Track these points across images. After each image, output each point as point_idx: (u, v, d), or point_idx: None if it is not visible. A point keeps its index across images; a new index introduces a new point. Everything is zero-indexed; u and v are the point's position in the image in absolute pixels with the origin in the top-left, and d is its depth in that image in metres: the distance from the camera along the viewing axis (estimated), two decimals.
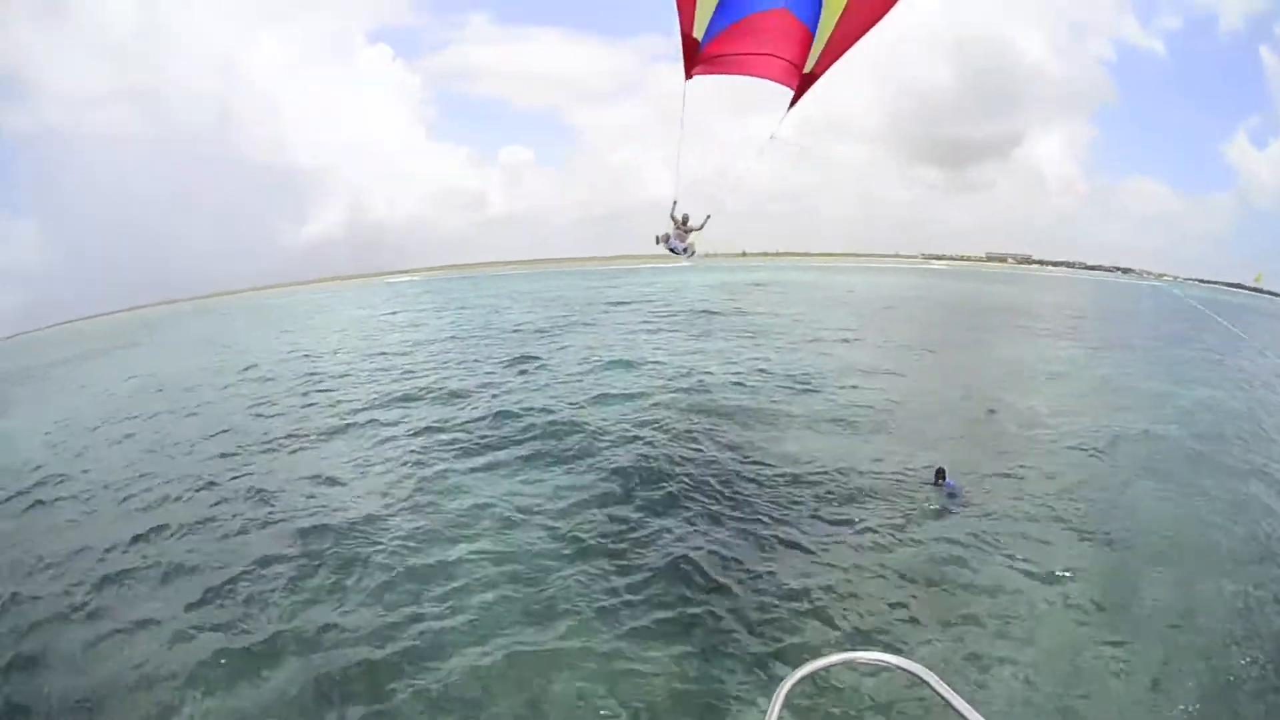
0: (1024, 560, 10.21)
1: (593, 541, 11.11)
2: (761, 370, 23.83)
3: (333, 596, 9.94)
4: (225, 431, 19.62)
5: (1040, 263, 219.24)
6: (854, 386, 21.47)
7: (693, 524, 11.73)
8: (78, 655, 9.02)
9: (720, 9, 7.44)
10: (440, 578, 10.15)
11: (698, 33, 7.64)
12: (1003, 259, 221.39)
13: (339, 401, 22.12)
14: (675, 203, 10.45)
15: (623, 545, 10.98)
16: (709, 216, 10.64)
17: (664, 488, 13.17)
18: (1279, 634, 8.37)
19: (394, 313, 57.40)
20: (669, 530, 11.49)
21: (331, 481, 14.57)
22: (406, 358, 30.24)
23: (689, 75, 8.29)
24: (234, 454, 17.36)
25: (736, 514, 12.07)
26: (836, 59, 7.44)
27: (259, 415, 21.36)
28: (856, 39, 7.16)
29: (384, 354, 31.96)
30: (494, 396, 20.93)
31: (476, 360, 28.17)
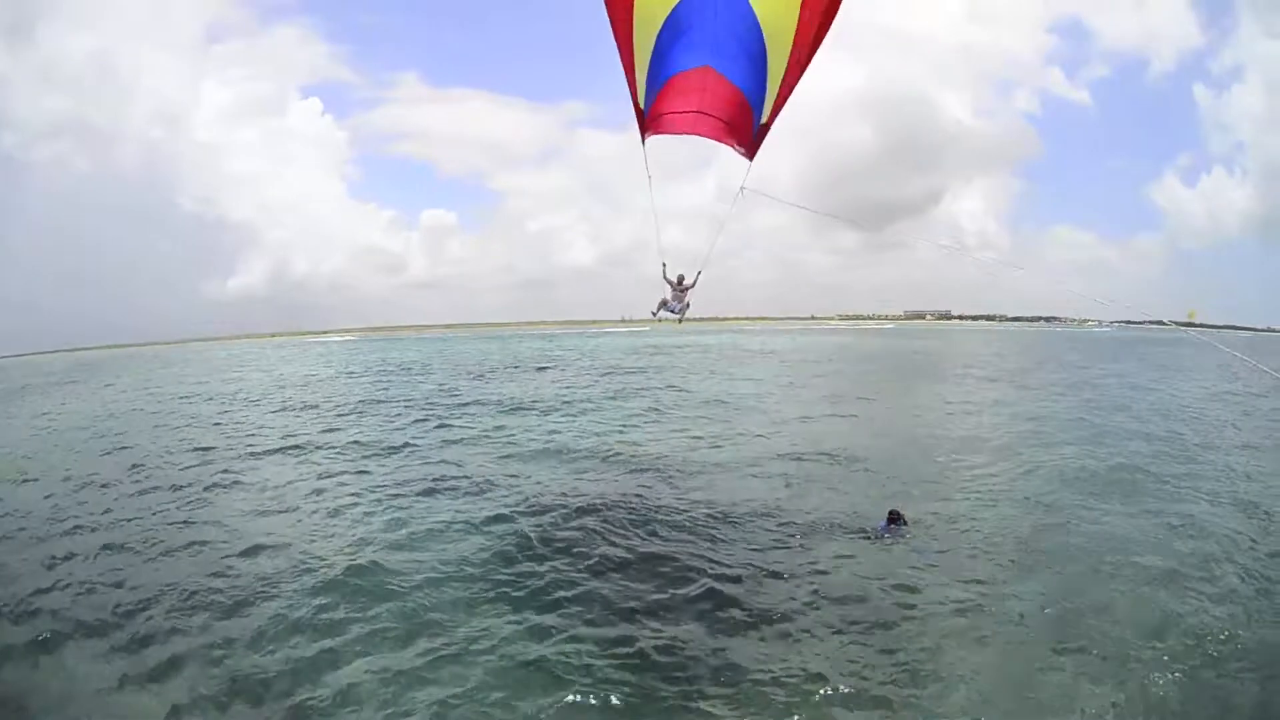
0: (976, 592, 9.68)
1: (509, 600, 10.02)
2: (685, 428, 23.52)
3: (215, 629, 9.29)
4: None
5: (960, 318, 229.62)
6: (779, 434, 21.38)
7: (607, 575, 10.74)
8: None
9: (652, 72, 7.49)
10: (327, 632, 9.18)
11: (640, 98, 7.74)
12: (922, 316, 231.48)
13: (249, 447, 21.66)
14: (665, 265, 10.39)
15: (541, 600, 9.99)
16: (700, 273, 10.54)
17: (583, 544, 12.07)
18: (1212, 642, 8.33)
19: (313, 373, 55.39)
20: (581, 583, 10.48)
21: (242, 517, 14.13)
22: (317, 412, 29.99)
23: (643, 138, 8.41)
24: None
25: (660, 564, 11.07)
26: (784, 102, 7.45)
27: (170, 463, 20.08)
28: (801, 74, 7.13)
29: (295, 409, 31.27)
30: (408, 451, 20.24)
31: (387, 417, 27.64)
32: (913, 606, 9.30)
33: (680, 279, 10.37)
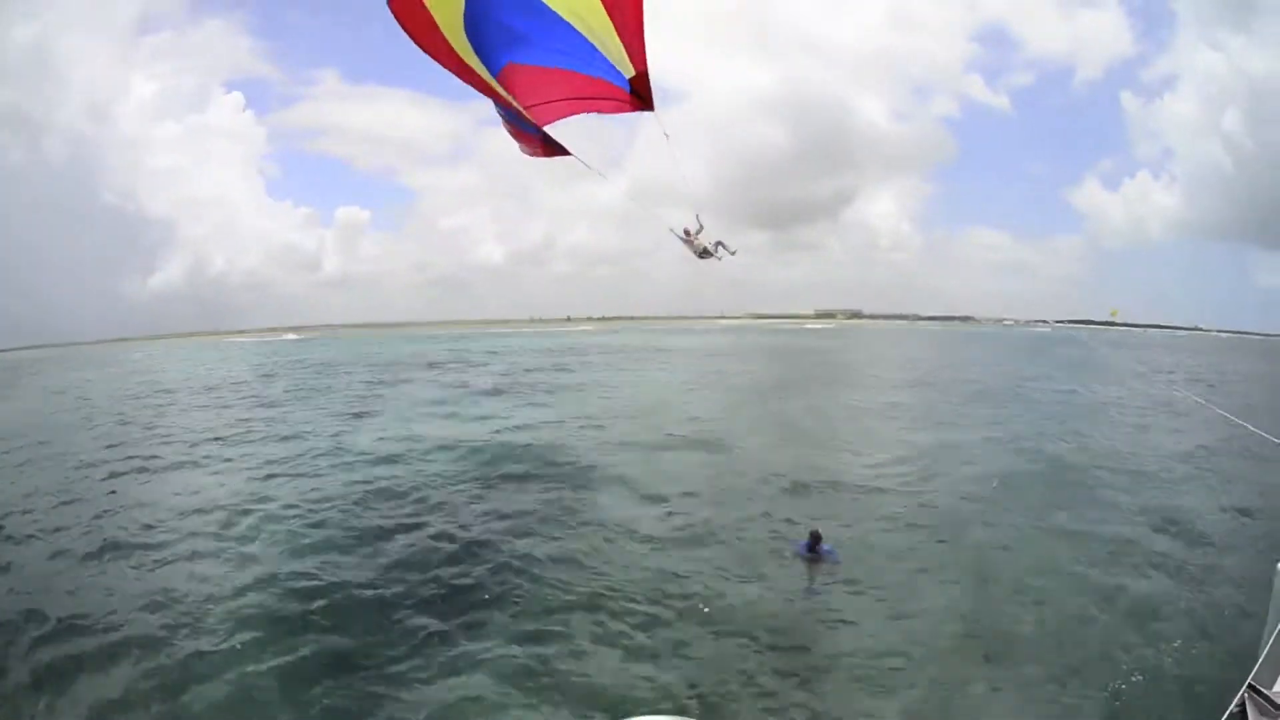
0: (906, 625, 9.29)
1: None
2: (594, 427, 23.52)
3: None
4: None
5: (871, 317, 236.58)
6: (684, 438, 21.18)
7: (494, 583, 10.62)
8: None
9: (491, 67, 6.99)
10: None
11: (515, 101, 7.28)
12: (832, 315, 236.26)
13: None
14: (671, 230, 10.05)
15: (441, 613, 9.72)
16: (698, 215, 10.05)
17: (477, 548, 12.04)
18: (1140, 644, 8.59)
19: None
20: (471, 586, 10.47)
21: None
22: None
23: (541, 130, 7.85)
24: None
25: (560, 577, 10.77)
26: (640, 42, 6.93)
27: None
28: (637, 16, 6.68)
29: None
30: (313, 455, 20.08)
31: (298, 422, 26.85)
32: (844, 642, 8.86)
33: (686, 231, 10.00)
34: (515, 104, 7.25)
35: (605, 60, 7.13)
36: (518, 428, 23.50)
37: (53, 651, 8.84)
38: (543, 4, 6.58)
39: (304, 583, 10.70)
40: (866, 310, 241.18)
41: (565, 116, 8.11)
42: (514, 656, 8.52)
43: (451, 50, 6.59)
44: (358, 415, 27.76)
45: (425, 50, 6.50)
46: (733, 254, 10.29)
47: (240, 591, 10.44)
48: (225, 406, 32.54)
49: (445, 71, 6.80)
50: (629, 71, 7.24)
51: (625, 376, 43.27)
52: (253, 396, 36.35)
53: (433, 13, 6.34)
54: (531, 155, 8.50)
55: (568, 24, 6.73)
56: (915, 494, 15.18)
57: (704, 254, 10.15)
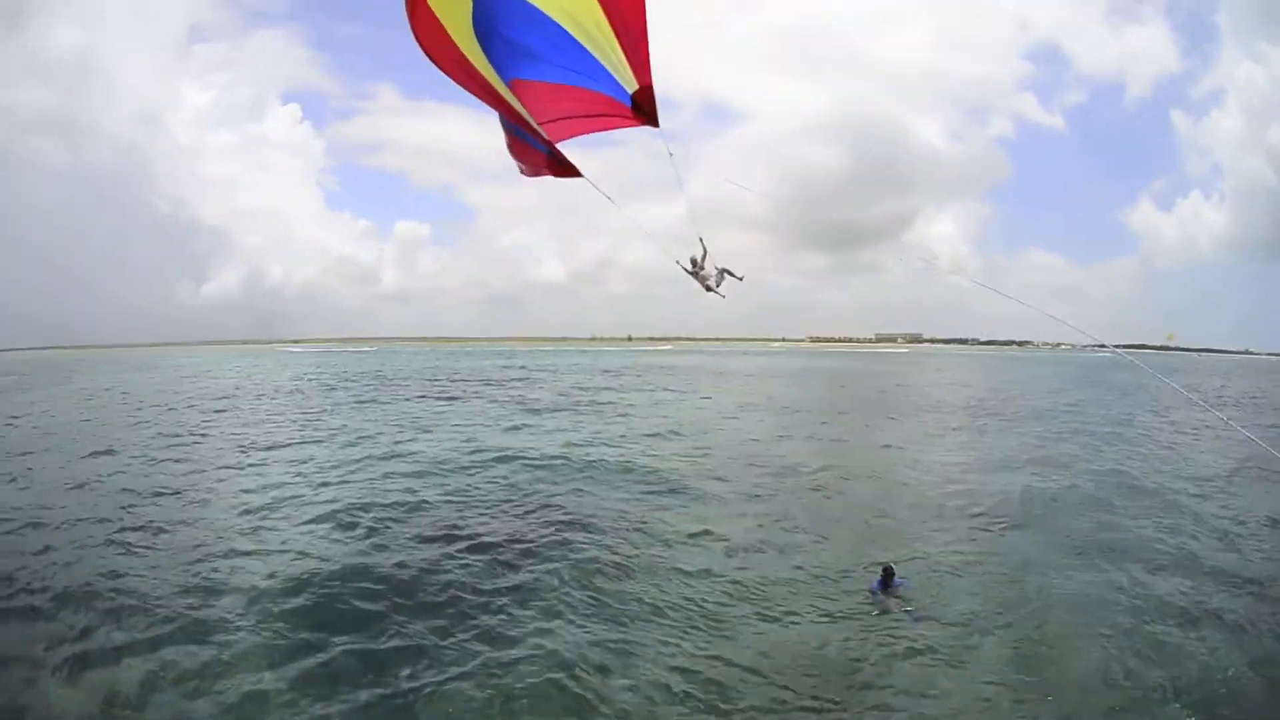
0: (995, 679, 8.46)
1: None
2: (656, 446, 23.26)
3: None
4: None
5: (931, 341, 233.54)
6: (750, 465, 20.41)
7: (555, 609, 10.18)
8: None
9: (507, 79, 6.99)
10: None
11: (537, 128, 7.33)
12: (892, 339, 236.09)
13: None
14: (677, 261, 9.76)
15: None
16: (701, 239, 9.75)
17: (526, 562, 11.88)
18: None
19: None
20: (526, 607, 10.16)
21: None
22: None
23: (554, 151, 7.80)
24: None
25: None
26: (644, 54, 6.89)
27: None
28: (641, 30, 6.64)
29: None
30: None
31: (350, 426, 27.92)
32: (922, 693, 8.11)
33: (693, 261, 9.73)
34: (531, 120, 7.18)
35: (608, 74, 7.07)
36: (578, 443, 23.62)
37: (95, 639, 9.05)
38: (545, 16, 6.52)
39: (351, 583, 10.81)
40: (926, 334, 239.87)
41: (573, 136, 8.07)
42: (559, 670, 8.34)
43: (465, 61, 6.56)
44: (416, 425, 28.36)
45: (438, 64, 6.46)
46: (739, 279, 10.10)
47: (285, 587, 10.58)
48: (282, 411, 33.83)
49: None
50: (632, 86, 7.19)
51: (686, 397, 43.46)
52: (310, 403, 37.81)
53: (446, 28, 6.32)
54: (532, 175, 8.44)
55: (571, 37, 6.69)
56: (987, 523, 14.55)
57: (709, 288, 9.93)
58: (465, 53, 6.51)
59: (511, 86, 6.93)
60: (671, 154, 8.27)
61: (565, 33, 6.64)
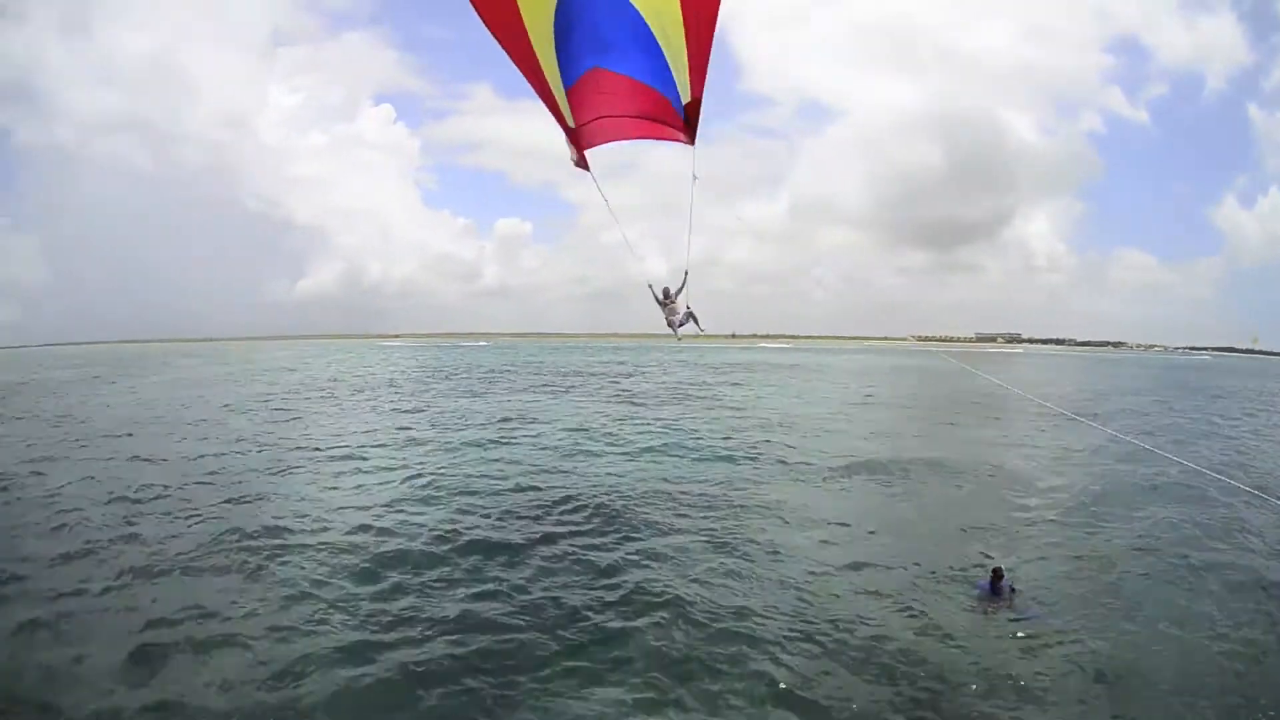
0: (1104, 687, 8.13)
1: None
2: (761, 442, 23.01)
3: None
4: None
5: (1030, 341, 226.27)
6: (855, 461, 20.02)
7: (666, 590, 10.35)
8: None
9: (566, 90, 7.11)
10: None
11: (568, 117, 7.37)
12: (992, 338, 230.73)
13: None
14: (650, 286, 9.86)
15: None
16: (686, 275, 9.78)
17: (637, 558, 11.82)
18: None
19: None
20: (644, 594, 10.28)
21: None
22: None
23: (582, 160, 7.98)
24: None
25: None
26: (704, 66, 6.88)
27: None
28: (708, 39, 6.62)
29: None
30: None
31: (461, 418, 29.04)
32: (1031, 699, 7.75)
33: (666, 292, 9.75)
34: (569, 121, 7.29)
35: (672, 80, 7.08)
36: (686, 435, 24.17)
37: (184, 628, 9.18)
38: (635, 11, 6.51)
39: (448, 576, 11.00)
40: (1025, 334, 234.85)
41: (624, 139, 8.13)
42: (655, 669, 8.25)
43: (531, 51, 6.51)
44: (525, 416, 29.36)
45: (504, 47, 6.40)
46: (700, 330, 10.01)
47: (381, 582, 10.74)
48: (386, 402, 35.55)
49: None
50: (687, 95, 7.20)
51: (792, 392, 43.60)
52: (417, 395, 39.43)
53: (523, 13, 6.27)
54: (576, 165, 8.27)
55: (652, 36, 6.68)
56: (1092, 525, 14.01)
57: (670, 323, 9.84)
58: (535, 47, 6.52)
59: (591, 75, 7.03)
60: (697, 177, 8.20)
61: (649, 32, 6.63)
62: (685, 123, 7.50)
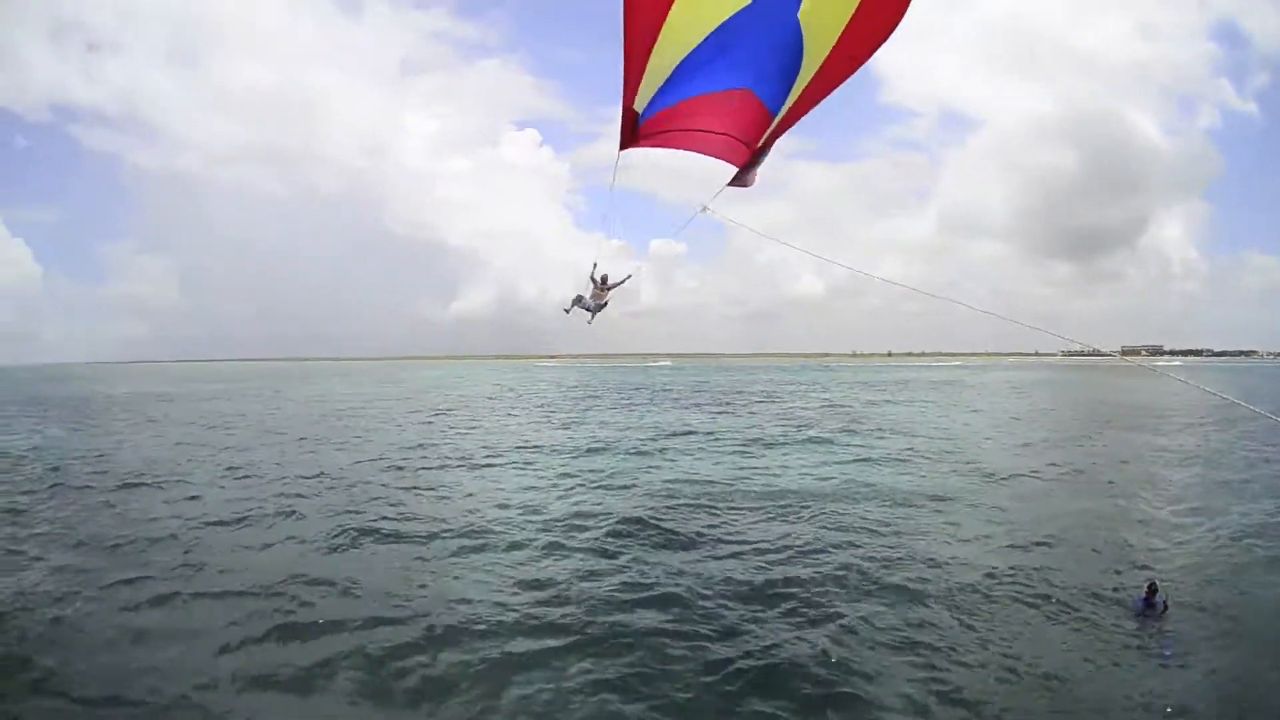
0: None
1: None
2: (921, 459, 23.32)
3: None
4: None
5: (1171, 353, 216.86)
6: (1013, 475, 20.16)
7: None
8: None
9: (672, 85, 6.88)
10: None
11: (639, 105, 7.07)
12: (1137, 352, 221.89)
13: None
14: (595, 264, 10.20)
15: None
16: (629, 275, 10.33)
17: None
18: None
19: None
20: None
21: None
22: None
23: (624, 148, 7.66)
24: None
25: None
26: (788, 128, 6.95)
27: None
28: (814, 105, 6.63)
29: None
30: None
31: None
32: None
33: (604, 279, 10.00)
34: (635, 104, 6.96)
35: (777, 113, 6.89)
36: (847, 450, 24.88)
37: (374, 633, 9.51)
38: (801, 35, 6.18)
39: (617, 584, 11.32)
40: (1167, 345, 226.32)
41: (696, 151, 7.94)
42: (814, 676, 8.35)
43: (656, 36, 6.30)
44: (688, 433, 30.64)
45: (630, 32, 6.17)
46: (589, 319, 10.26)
47: (551, 590, 11.10)
48: (552, 416, 38.93)
49: None
50: (761, 141, 7.17)
51: (950, 410, 43.63)
52: (577, 411, 43.19)
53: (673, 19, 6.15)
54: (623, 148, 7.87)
55: (798, 69, 6.40)
56: (1247, 542, 13.44)
57: (587, 308, 10.05)
58: (660, 44, 6.39)
59: (729, 94, 6.91)
60: (706, 209, 8.08)
61: (799, 63, 6.38)
62: (749, 163, 7.49)
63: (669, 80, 6.82)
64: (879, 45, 5.97)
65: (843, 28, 5.89)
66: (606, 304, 10.30)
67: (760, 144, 7.27)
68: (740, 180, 7.81)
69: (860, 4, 5.74)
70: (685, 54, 6.53)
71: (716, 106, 7.13)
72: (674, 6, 6.07)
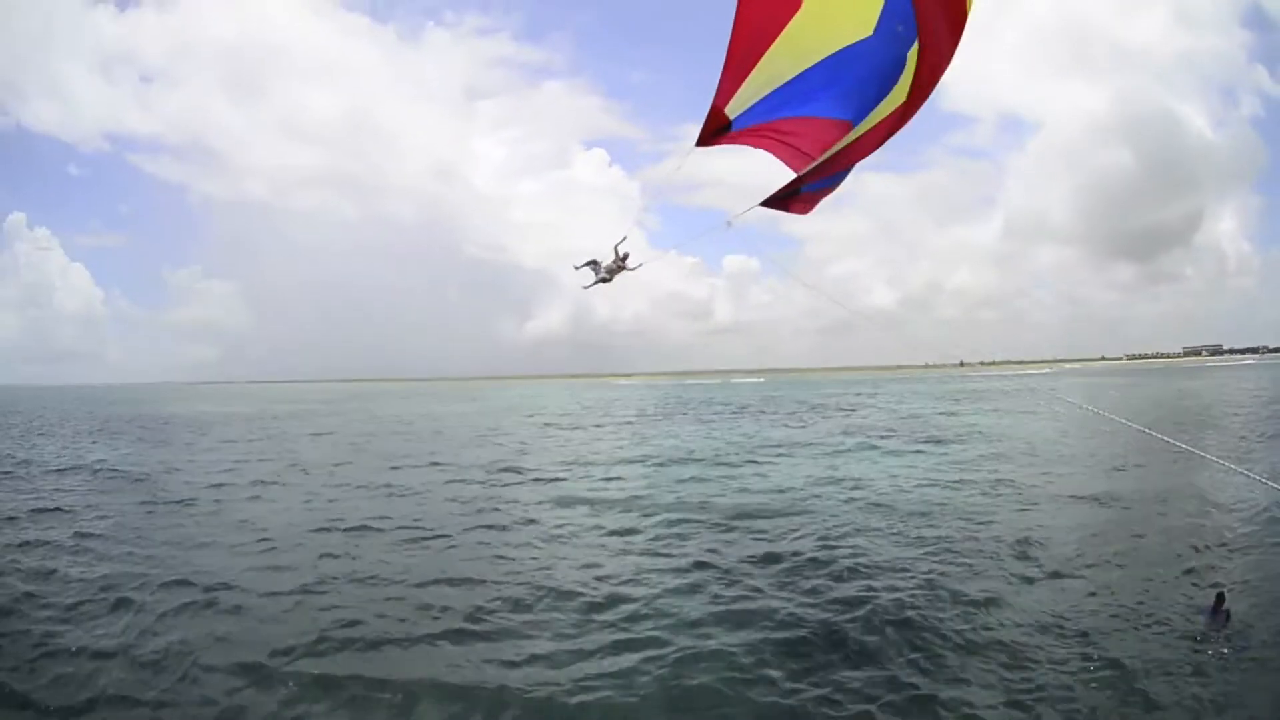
0: None
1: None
2: (988, 470, 23.75)
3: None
4: None
5: (1230, 351, 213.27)
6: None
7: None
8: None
9: (776, 98, 6.65)
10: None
11: (732, 111, 6.77)
12: (1198, 352, 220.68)
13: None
14: (625, 238, 9.63)
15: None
16: (641, 264, 9.88)
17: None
18: None
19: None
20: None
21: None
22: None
23: (701, 144, 7.20)
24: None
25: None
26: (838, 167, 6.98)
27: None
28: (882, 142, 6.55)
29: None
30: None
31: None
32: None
33: (626, 255, 9.62)
34: (729, 109, 6.69)
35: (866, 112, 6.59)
36: (920, 460, 26.47)
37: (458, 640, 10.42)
38: (901, 71, 6.10)
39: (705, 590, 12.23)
40: (1226, 345, 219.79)
41: (751, 146, 7.51)
42: (894, 672, 8.96)
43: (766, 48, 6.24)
44: (770, 447, 32.29)
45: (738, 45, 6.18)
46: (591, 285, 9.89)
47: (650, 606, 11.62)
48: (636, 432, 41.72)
49: None
50: (806, 169, 7.05)
51: (1022, 419, 43.81)
52: (658, 428, 46.14)
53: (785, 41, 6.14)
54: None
55: (886, 93, 6.28)
56: None
57: (603, 279, 9.76)
58: (770, 55, 6.30)
59: (832, 123, 6.72)
60: (729, 223, 7.81)
61: (886, 95, 6.25)
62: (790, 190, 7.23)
63: (774, 93, 6.62)
64: (942, 75, 6.03)
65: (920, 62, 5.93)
66: (610, 280, 10.03)
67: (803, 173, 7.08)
68: (798, 205, 7.60)
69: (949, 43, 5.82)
70: (798, 70, 6.41)
71: (819, 132, 6.90)
72: (794, 19, 6.00)
